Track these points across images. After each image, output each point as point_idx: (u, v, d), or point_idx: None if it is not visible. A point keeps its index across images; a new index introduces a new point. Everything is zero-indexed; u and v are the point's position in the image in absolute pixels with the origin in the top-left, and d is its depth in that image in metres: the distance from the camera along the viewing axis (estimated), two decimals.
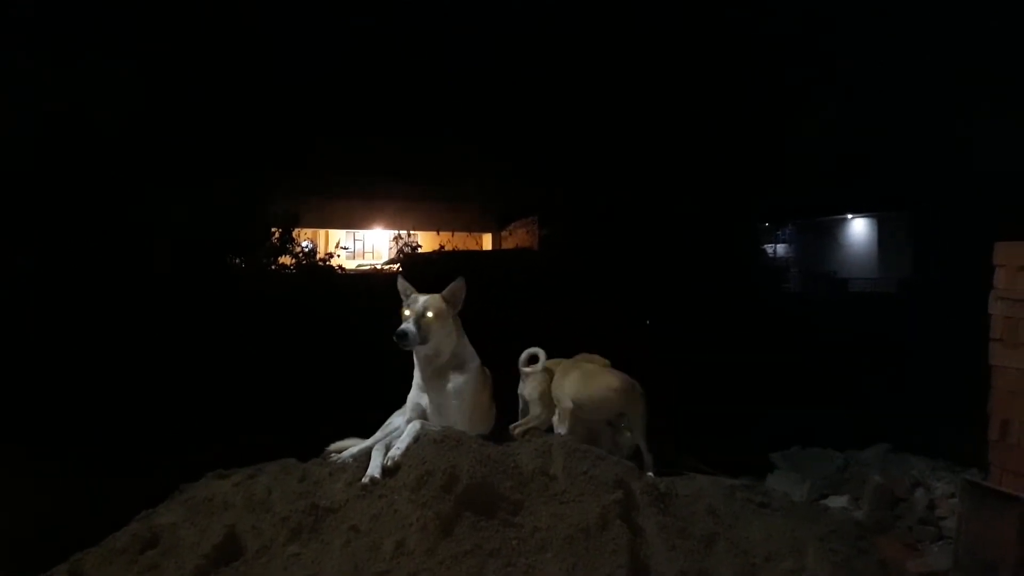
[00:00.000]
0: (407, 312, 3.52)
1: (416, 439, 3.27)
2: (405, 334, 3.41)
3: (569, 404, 4.19)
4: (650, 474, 3.99)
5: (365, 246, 32.65)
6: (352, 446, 3.64)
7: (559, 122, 22.82)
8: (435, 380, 3.59)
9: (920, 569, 3.82)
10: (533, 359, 4.51)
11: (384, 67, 24.63)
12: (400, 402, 3.80)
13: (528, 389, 4.35)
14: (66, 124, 12.75)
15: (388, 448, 3.30)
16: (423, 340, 3.47)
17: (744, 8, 22.03)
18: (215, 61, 16.34)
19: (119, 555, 2.99)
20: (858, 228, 30.55)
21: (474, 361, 3.73)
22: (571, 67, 22.87)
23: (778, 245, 29.72)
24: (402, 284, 3.68)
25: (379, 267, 25.85)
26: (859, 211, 29.53)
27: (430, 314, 3.50)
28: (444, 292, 3.63)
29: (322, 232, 29.34)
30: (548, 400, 4.31)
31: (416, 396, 3.65)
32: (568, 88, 22.97)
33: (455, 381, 3.62)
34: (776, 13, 21.73)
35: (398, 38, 24.62)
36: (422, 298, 3.55)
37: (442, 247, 26.55)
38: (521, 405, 4.53)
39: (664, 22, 22.29)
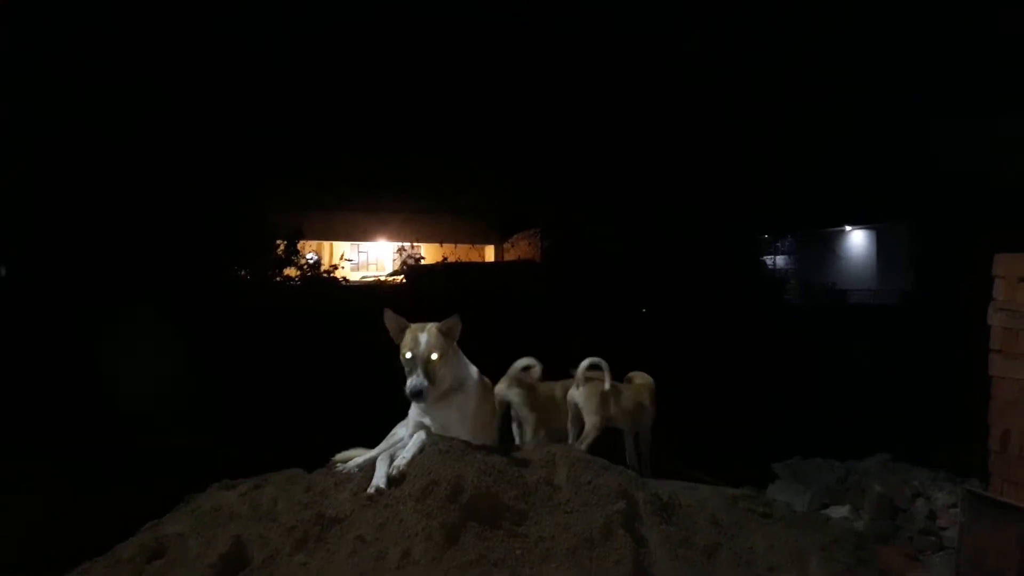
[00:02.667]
0: (408, 355, 3.40)
1: (421, 449, 3.28)
2: (420, 392, 3.32)
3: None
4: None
5: (369, 258, 32.70)
6: (357, 456, 3.66)
7: (560, 135, 22.90)
8: (438, 402, 3.57)
9: None
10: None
11: (387, 81, 24.74)
12: (403, 413, 3.82)
13: (582, 398, 4.54)
14: (75, 135, 12.85)
15: (393, 458, 3.31)
16: (434, 386, 3.39)
17: (744, 20, 22.15)
18: (222, 74, 16.46)
19: (125, 565, 3.00)
20: (857, 239, 30.60)
21: (472, 377, 3.70)
22: (572, 81, 22.97)
23: (777, 256, 29.75)
24: (393, 321, 3.51)
25: (383, 279, 25.91)
26: (858, 222, 29.58)
27: (435, 356, 3.40)
28: (440, 326, 3.49)
29: (326, 244, 29.44)
30: (598, 408, 4.64)
31: (418, 415, 3.60)
32: (570, 101, 23.08)
33: (457, 400, 3.57)
34: (776, 25, 21.85)
35: (403, 52, 24.77)
36: (423, 339, 3.40)
37: (445, 259, 26.61)
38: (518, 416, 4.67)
39: (663, 35, 22.41)
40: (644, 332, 15.84)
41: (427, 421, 3.54)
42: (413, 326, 3.49)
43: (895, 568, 3.75)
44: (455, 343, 3.58)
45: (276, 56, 20.65)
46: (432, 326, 3.46)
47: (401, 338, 3.47)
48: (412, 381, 3.34)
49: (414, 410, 3.61)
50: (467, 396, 3.60)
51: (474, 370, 3.71)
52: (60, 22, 13.96)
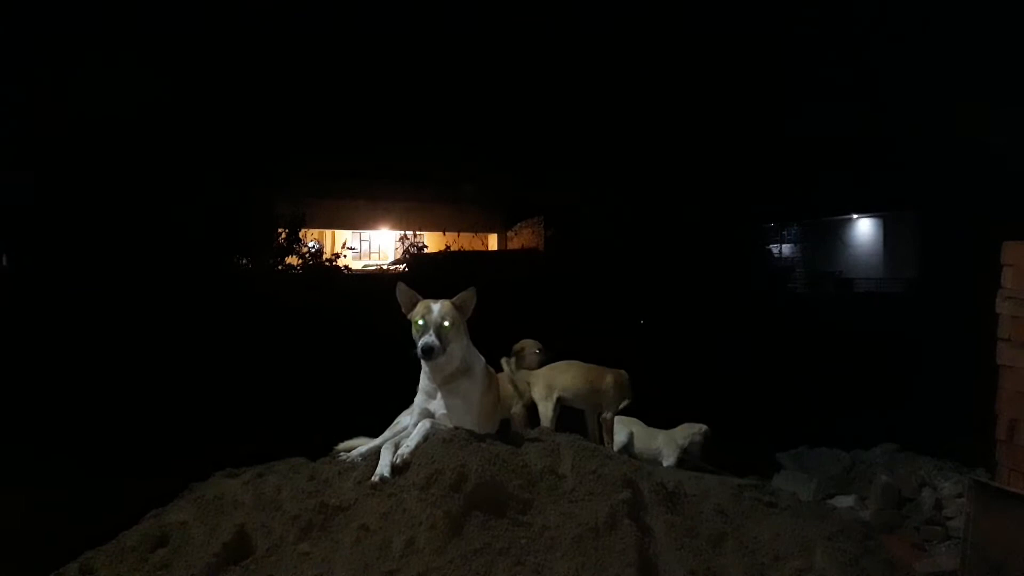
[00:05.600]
0: (421, 322, 3.39)
1: (425, 438, 3.27)
2: (431, 348, 3.29)
3: None
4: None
5: (371, 246, 32.69)
6: (361, 445, 3.65)
7: (564, 123, 22.84)
8: (444, 386, 3.54)
9: (928, 569, 3.82)
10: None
11: (391, 70, 24.68)
12: (408, 401, 3.79)
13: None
14: (75, 126, 12.83)
15: (397, 447, 3.30)
16: (444, 351, 3.38)
17: (750, 9, 22.01)
18: (224, 64, 16.41)
19: (129, 553, 3.00)
20: (864, 228, 30.48)
21: (479, 363, 3.69)
22: (576, 70, 22.89)
23: (783, 245, 29.66)
24: (406, 292, 3.51)
25: (385, 267, 25.91)
26: (865, 211, 29.46)
27: (447, 323, 3.39)
28: (455, 299, 3.49)
29: (328, 232, 29.41)
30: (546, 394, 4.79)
31: (423, 402, 3.58)
32: (573, 90, 23.01)
33: (463, 385, 3.56)
34: (782, 13, 21.72)
35: (406, 42, 24.70)
36: (436, 307, 3.42)
37: (448, 247, 26.59)
38: None
39: (669, 23, 22.29)
40: (648, 321, 15.82)
41: (432, 408, 3.53)
42: (426, 300, 3.49)
43: (901, 558, 3.73)
44: (465, 325, 3.57)
45: (279, 44, 20.60)
46: (445, 300, 3.47)
47: (412, 310, 3.47)
48: (424, 339, 3.33)
49: (419, 398, 3.61)
50: (473, 383, 3.57)
51: (481, 358, 3.70)
52: (65, 11, 13.93)
